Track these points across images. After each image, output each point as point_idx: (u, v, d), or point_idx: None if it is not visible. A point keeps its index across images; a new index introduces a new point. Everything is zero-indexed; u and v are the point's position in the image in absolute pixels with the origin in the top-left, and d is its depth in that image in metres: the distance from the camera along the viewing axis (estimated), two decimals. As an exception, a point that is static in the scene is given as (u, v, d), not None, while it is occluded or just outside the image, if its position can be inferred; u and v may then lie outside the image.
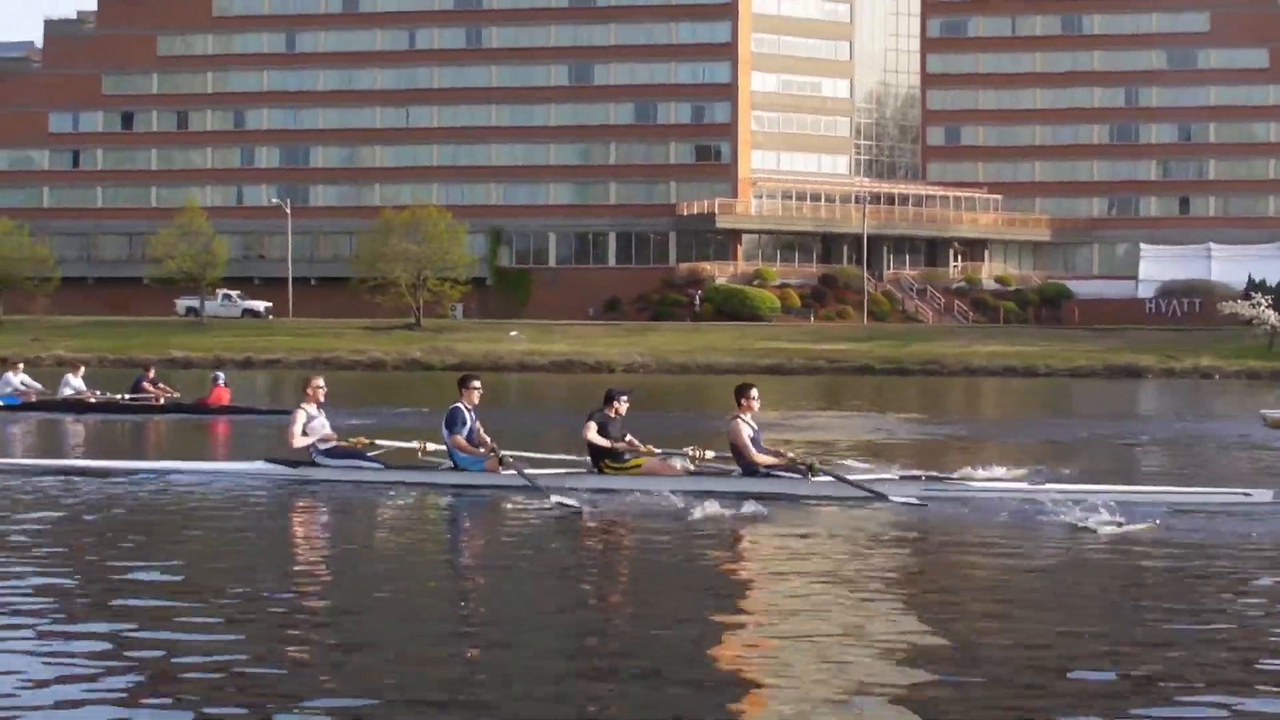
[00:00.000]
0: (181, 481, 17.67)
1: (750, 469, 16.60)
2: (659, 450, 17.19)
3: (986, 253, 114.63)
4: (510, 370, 77.95)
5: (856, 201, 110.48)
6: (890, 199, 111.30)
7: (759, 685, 8.11)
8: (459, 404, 17.38)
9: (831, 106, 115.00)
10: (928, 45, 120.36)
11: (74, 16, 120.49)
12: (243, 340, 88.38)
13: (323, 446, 17.91)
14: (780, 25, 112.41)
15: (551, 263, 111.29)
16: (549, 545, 13.55)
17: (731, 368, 76.66)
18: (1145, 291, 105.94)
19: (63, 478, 18.08)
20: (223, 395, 34.40)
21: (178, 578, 11.39)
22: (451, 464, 17.46)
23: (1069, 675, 8.30)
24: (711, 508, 14.56)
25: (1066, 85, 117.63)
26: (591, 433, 16.83)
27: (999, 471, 17.64)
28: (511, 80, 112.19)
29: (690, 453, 17.09)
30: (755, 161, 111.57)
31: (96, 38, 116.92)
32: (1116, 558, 12.56)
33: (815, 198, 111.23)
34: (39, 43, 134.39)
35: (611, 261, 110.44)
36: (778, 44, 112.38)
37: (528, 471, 16.79)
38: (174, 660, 8.50)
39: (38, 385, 36.11)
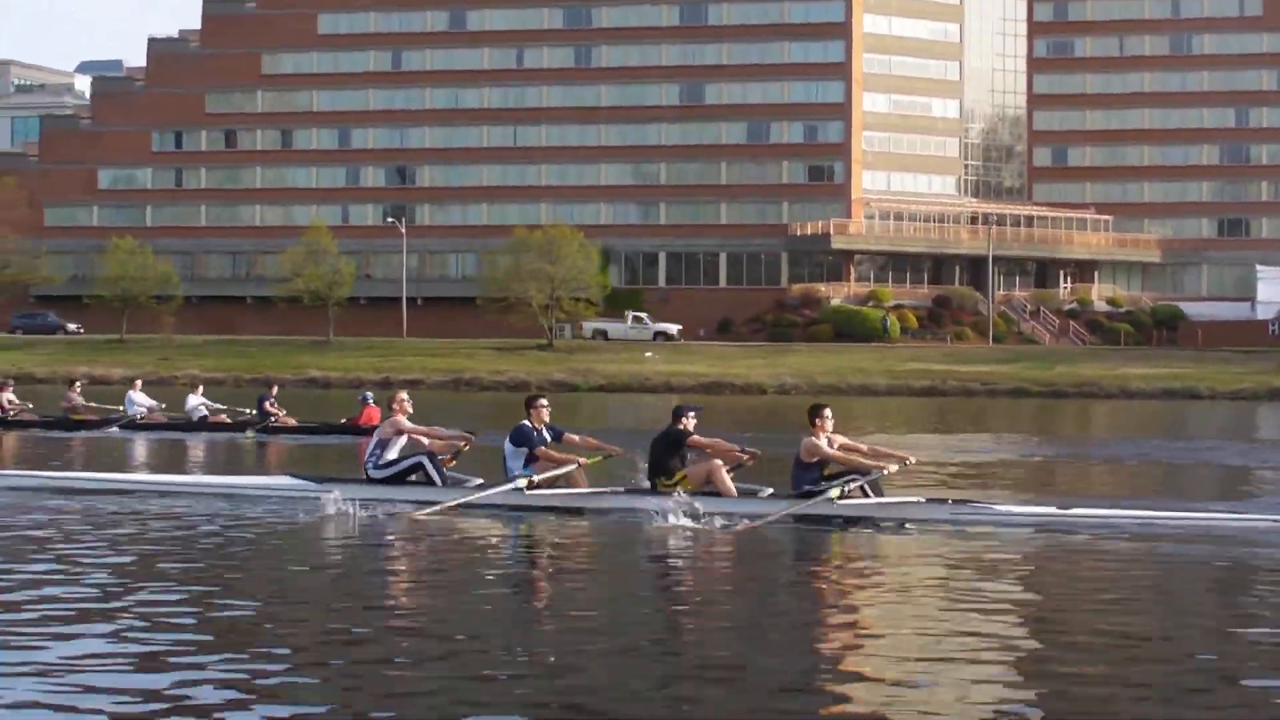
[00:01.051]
0: (195, 495, 18.02)
1: (801, 490, 16.53)
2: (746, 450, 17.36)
3: (1096, 274, 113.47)
4: (657, 391, 77.02)
5: (972, 222, 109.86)
6: (1001, 220, 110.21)
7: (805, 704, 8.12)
8: (526, 422, 17.41)
9: (941, 127, 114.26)
10: (1034, 65, 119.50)
11: (176, 35, 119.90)
12: (372, 361, 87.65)
13: (381, 461, 17.76)
14: (891, 45, 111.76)
15: (661, 283, 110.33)
16: (574, 565, 13.68)
17: (885, 390, 75.79)
18: (1265, 314, 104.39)
19: (71, 495, 18.18)
20: (374, 415, 33.43)
21: (179, 593, 11.37)
22: (510, 479, 17.22)
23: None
24: (762, 527, 15.37)
25: (1175, 105, 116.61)
26: (697, 437, 17.15)
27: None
28: (621, 99, 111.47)
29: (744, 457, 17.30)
30: (865, 182, 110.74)
31: (200, 57, 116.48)
32: (1109, 576, 12.82)
33: (925, 218, 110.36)
34: (129, 62, 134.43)
35: (722, 282, 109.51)
36: (888, 64, 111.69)
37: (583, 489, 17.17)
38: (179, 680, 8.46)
39: (150, 402, 35.78)
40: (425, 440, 17.98)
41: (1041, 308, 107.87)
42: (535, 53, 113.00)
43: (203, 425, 34.41)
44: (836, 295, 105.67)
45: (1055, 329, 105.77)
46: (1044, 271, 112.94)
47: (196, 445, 30.95)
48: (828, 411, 16.92)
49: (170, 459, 27.39)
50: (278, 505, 17.36)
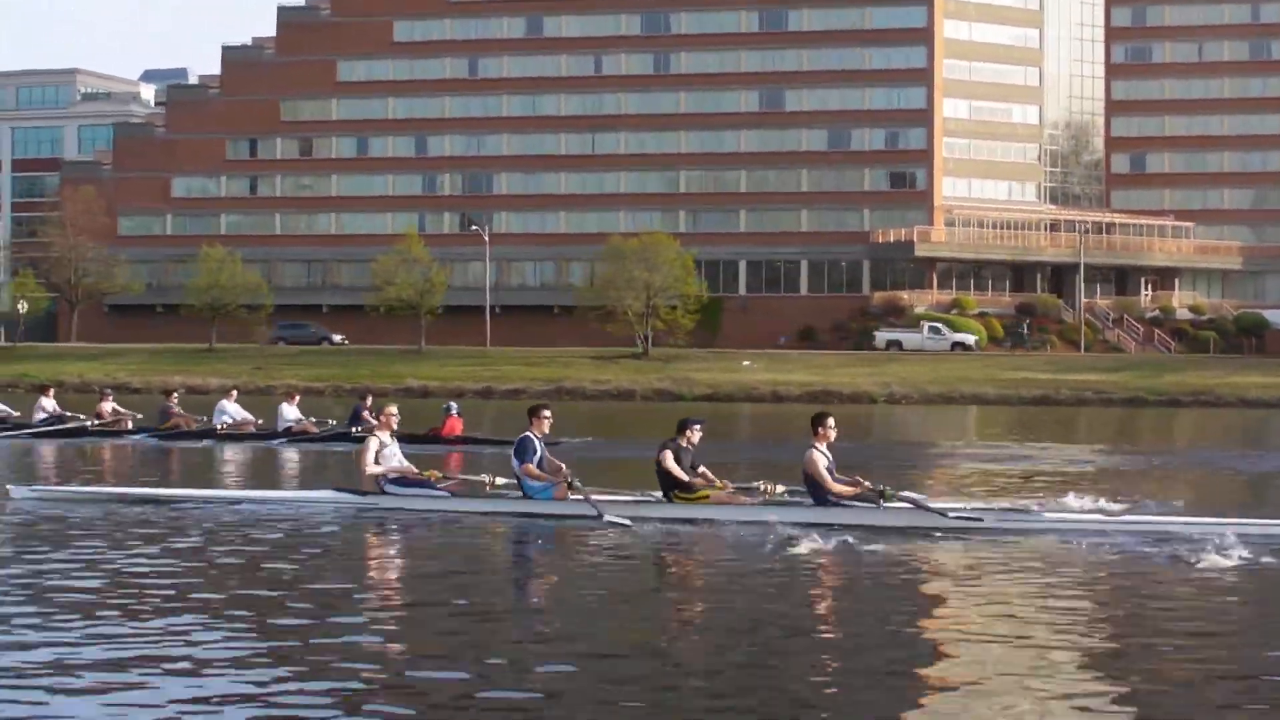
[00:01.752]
0: (249, 510, 17.84)
1: (822, 499, 16.54)
2: (730, 485, 17.23)
3: (1177, 281, 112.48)
4: (764, 400, 76.28)
5: (1052, 229, 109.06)
6: (1085, 228, 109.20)
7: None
8: (528, 433, 17.54)
9: (1021, 133, 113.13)
10: (1112, 71, 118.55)
11: (249, 43, 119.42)
12: (468, 370, 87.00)
13: (391, 476, 18.05)
14: (971, 51, 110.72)
15: (741, 291, 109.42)
16: (616, 573, 13.62)
17: (996, 399, 74.92)
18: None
19: (126, 505, 18.23)
20: (456, 426, 33.57)
21: (238, 601, 11.42)
22: (521, 493, 17.53)
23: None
24: (782, 537, 14.98)
25: (1255, 111, 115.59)
26: (669, 461, 16.86)
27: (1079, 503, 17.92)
28: (700, 106, 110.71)
29: (761, 487, 17.09)
30: (945, 188, 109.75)
31: (275, 64, 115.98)
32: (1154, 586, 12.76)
33: (1005, 225, 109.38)
34: (194, 70, 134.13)
35: (803, 290, 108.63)
36: (968, 70, 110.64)
37: (593, 498, 16.78)
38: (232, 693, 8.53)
39: (243, 414, 35.44)
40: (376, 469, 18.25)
41: (1125, 315, 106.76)
42: (613, 59, 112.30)
43: (292, 435, 34.22)
44: (920, 303, 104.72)
45: (1139, 337, 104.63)
46: (1124, 279, 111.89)
47: (288, 455, 30.76)
48: (831, 420, 17.07)
49: (253, 468, 27.34)
50: (330, 518, 17.33)
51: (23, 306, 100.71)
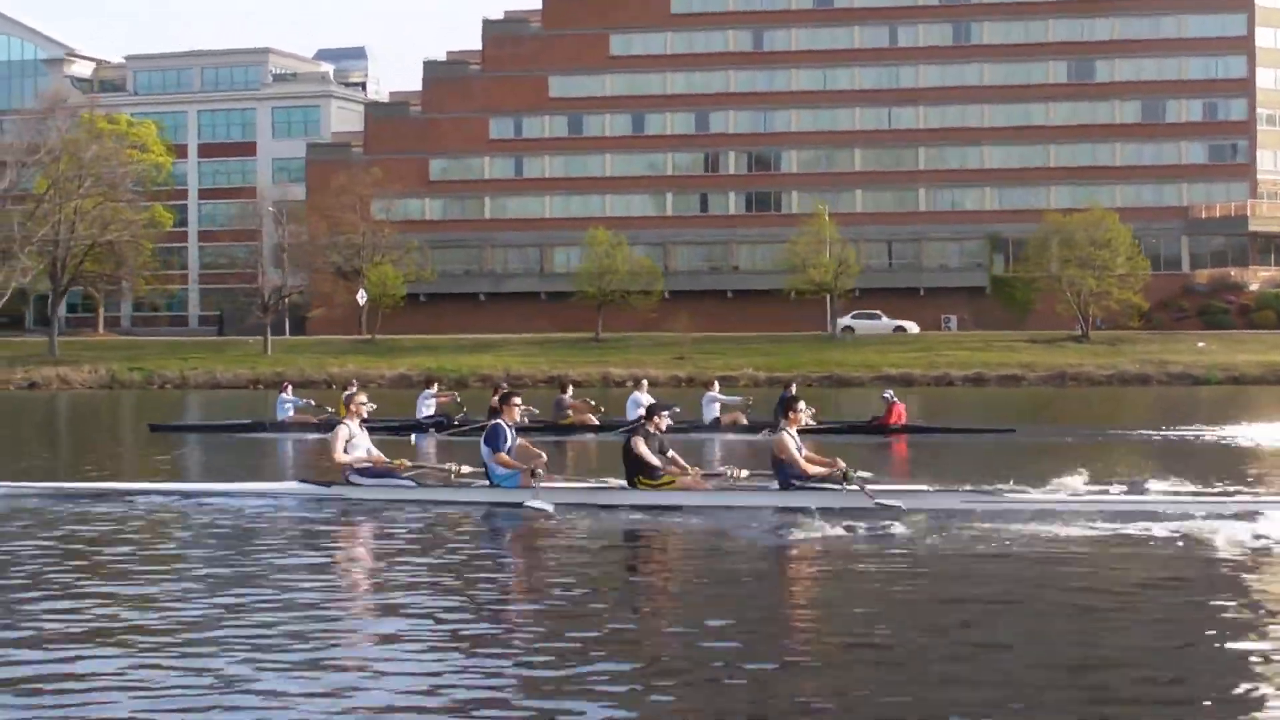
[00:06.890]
0: (211, 502, 17.59)
1: (787, 483, 16.52)
2: (699, 470, 17.37)
3: None
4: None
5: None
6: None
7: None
8: (500, 421, 17.50)
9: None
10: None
11: (502, 17, 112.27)
12: (901, 356, 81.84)
13: (357, 466, 17.91)
14: (1278, 17, 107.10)
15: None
16: (578, 559, 13.20)
17: None
18: None
19: (86, 500, 17.90)
20: (900, 413, 32.85)
21: (202, 599, 11.03)
22: (488, 481, 17.44)
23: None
24: (742, 521, 15.03)
25: None
26: (641, 446, 16.95)
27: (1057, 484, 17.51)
28: (1005, 78, 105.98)
29: (728, 472, 17.27)
30: (1262, 161, 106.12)
31: (542, 39, 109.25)
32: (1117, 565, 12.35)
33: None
34: (371, 48, 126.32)
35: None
36: (1274, 37, 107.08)
37: (551, 485, 17.07)
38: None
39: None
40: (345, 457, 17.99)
41: None
42: (910, 30, 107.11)
43: (716, 427, 32.82)
44: (1252, 280, 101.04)
45: None
46: None
47: (711, 446, 28.48)
48: (801, 404, 17.62)
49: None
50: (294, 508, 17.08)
51: (362, 297, 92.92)
